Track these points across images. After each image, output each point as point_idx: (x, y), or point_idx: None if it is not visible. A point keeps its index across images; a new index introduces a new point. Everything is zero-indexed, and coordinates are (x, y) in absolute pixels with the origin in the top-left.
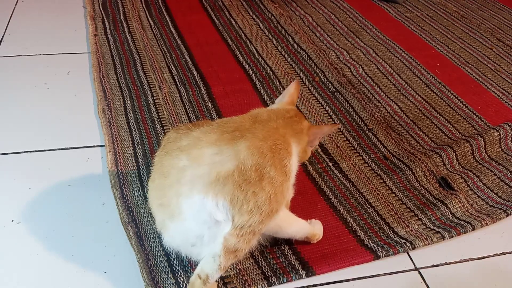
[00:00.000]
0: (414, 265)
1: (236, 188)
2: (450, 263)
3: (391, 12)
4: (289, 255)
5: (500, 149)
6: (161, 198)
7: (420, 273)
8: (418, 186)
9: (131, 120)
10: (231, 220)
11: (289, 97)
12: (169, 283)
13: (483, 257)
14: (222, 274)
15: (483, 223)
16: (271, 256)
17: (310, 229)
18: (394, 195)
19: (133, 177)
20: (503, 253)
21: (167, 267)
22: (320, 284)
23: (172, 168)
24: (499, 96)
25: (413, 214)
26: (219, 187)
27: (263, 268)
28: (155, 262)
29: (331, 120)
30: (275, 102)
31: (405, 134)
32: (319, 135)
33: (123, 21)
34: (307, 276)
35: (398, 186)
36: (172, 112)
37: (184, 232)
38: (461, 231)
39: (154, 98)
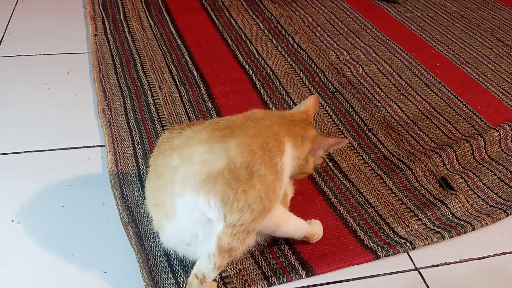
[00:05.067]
0: (414, 265)
1: (227, 187)
2: (450, 263)
3: (391, 12)
4: (289, 255)
5: (500, 149)
6: (156, 198)
7: (420, 273)
8: (418, 186)
9: (131, 120)
10: (223, 218)
11: (305, 107)
12: (169, 283)
13: (483, 257)
14: (222, 274)
15: (483, 223)
16: (271, 256)
17: (309, 228)
18: (394, 195)
19: (133, 177)
20: (503, 253)
21: (167, 267)
22: (320, 284)
23: (166, 167)
24: (499, 96)
25: (413, 214)
26: (210, 185)
27: (263, 268)
28: (155, 262)
29: (331, 120)
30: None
31: (405, 134)
32: (323, 146)
33: (123, 21)
34: (307, 276)
35: (398, 186)
36: (172, 112)
37: (179, 231)
38: (461, 231)
39: (154, 98)
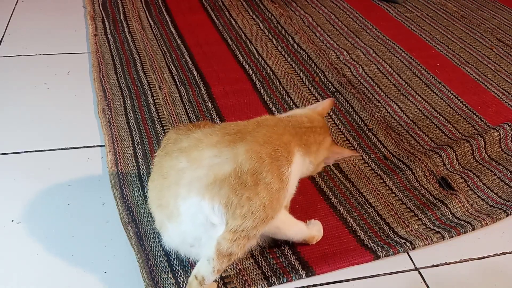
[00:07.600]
0: (414, 265)
1: (231, 192)
2: (450, 263)
3: (391, 12)
4: (289, 255)
5: (500, 149)
6: (160, 198)
7: (420, 273)
8: (418, 186)
9: (131, 120)
10: (225, 223)
11: (322, 109)
12: (169, 283)
13: (483, 257)
14: (222, 274)
15: (483, 223)
16: (271, 256)
17: (308, 232)
18: (394, 195)
19: (133, 177)
20: (503, 253)
21: (167, 267)
22: (320, 284)
23: (171, 169)
24: (499, 96)
25: (413, 214)
26: (216, 189)
27: (263, 268)
28: (155, 262)
29: (331, 120)
30: (306, 107)
31: (405, 134)
32: (338, 156)
33: (123, 21)
34: (307, 276)
35: (398, 186)
36: (172, 112)
37: (182, 233)
38: (461, 231)
39: (154, 98)
